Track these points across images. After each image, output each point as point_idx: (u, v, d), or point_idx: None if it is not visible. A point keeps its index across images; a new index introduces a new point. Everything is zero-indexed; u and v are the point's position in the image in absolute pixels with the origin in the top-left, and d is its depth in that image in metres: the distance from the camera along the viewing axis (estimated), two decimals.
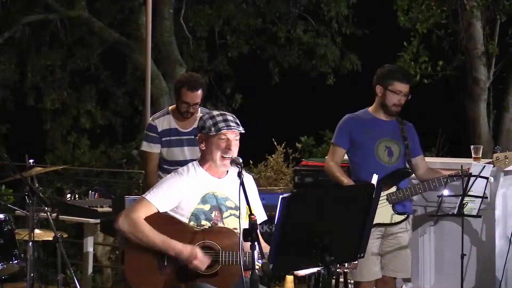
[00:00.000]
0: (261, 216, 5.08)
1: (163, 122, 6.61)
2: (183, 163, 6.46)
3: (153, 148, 6.61)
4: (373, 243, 5.95)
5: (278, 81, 18.37)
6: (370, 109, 6.20)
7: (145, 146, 6.65)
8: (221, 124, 4.85)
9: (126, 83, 18.30)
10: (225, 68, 18.41)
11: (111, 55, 17.61)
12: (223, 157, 4.87)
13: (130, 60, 17.30)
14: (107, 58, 17.92)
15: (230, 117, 4.92)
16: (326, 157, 6.34)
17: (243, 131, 4.92)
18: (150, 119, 6.74)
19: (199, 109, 6.66)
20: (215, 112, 4.97)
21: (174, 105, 6.71)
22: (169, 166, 6.57)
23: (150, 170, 6.63)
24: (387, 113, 6.11)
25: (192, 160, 6.40)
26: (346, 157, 6.26)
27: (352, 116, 6.20)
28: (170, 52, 16.23)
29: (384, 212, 5.94)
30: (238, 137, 4.92)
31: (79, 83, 18.15)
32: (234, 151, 4.88)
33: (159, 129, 6.58)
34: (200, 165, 4.99)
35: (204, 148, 4.93)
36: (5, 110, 17.69)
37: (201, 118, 5.00)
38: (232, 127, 4.86)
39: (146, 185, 6.53)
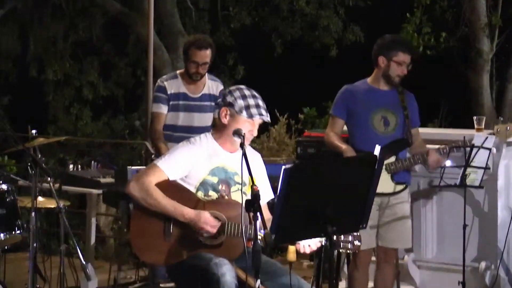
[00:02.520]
0: (267, 194, 5.06)
1: (172, 85, 6.56)
2: (190, 129, 6.46)
3: (163, 109, 6.55)
4: None
5: (280, 52, 18.32)
6: (369, 79, 6.16)
7: (156, 107, 6.59)
8: (254, 111, 4.82)
9: (129, 54, 18.24)
10: (228, 39, 18.32)
11: (114, 26, 17.54)
12: None
13: (133, 31, 17.22)
14: (110, 29, 17.86)
15: (261, 101, 4.88)
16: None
17: (269, 121, 4.93)
18: (159, 80, 6.66)
19: (207, 75, 6.63)
20: (246, 91, 4.89)
21: (183, 70, 6.67)
22: (172, 132, 6.53)
23: (159, 129, 6.54)
24: (389, 83, 6.06)
25: (200, 127, 6.41)
26: (346, 128, 6.24)
27: (349, 86, 6.18)
28: (172, 24, 16.17)
29: (383, 182, 5.76)
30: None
31: (81, 54, 18.11)
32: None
33: (168, 92, 6.53)
34: (214, 138, 4.95)
35: (226, 123, 4.86)
36: (7, 82, 17.67)
37: (228, 90, 4.90)
38: (264, 116, 4.86)
39: (154, 144, 6.53)
